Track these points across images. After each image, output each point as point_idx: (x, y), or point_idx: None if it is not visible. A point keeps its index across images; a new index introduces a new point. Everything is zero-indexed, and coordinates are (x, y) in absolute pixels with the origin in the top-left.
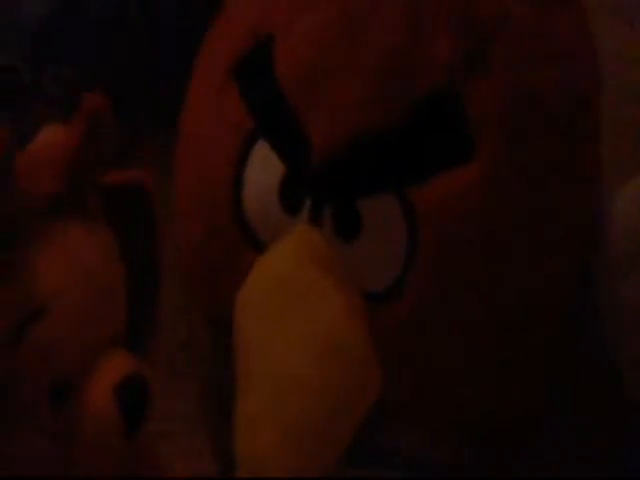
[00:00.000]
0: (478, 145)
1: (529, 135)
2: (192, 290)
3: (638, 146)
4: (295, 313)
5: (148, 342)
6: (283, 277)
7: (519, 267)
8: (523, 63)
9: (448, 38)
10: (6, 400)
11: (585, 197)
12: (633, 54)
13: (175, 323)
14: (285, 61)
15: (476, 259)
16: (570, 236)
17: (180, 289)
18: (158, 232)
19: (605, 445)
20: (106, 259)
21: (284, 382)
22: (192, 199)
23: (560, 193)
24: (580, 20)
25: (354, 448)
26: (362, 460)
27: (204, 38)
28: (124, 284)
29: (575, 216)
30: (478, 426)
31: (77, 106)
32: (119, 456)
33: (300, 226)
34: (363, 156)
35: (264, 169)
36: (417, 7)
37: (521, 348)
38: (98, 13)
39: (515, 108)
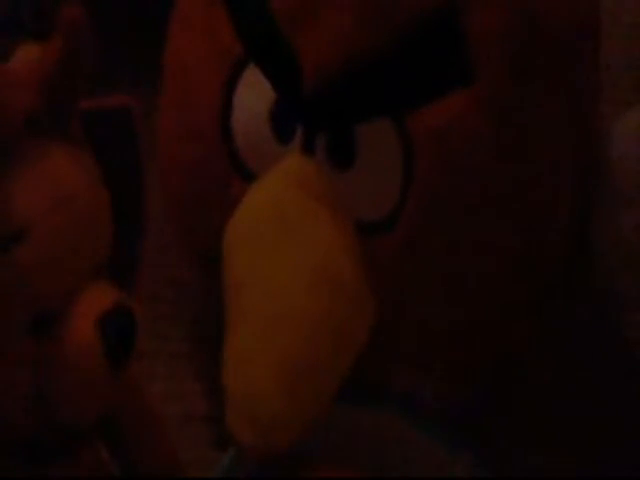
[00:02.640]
0: (477, 69)
1: (529, 60)
2: (179, 223)
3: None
4: (287, 244)
5: (133, 275)
6: (274, 207)
7: (519, 196)
8: None
9: None
10: None
11: (584, 123)
12: None
13: (161, 259)
14: None
15: (475, 188)
16: (572, 160)
17: (166, 223)
18: (144, 160)
19: (603, 387)
20: (89, 184)
21: (275, 315)
22: (178, 127)
23: (561, 118)
24: None
25: (350, 388)
26: (354, 398)
27: None
28: (109, 212)
29: (576, 139)
30: (473, 364)
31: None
32: (102, 393)
33: (292, 155)
34: (357, 81)
35: (254, 95)
36: None
37: (518, 282)
38: None
39: (514, 31)
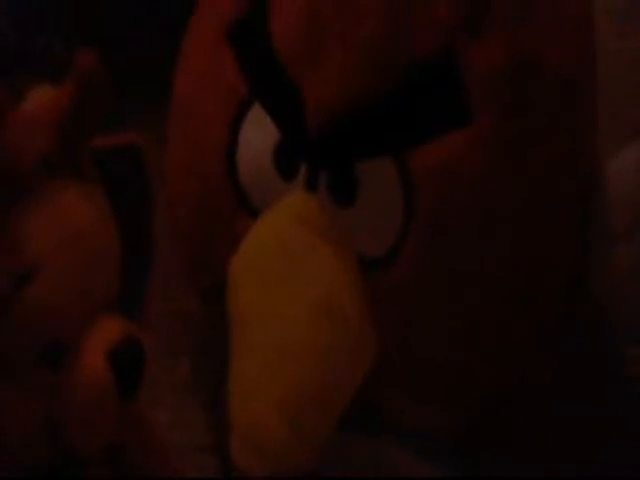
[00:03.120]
0: (475, 109)
1: (528, 100)
2: (186, 257)
3: (634, 112)
4: (290, 278)
5: (142, 310)
6: (279, 242)
7: (518, 233)
8: (522, 26)
9: (447, 0)
10: None
11: (583, 158)
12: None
13: (168, 293)
14: (280, 24)
15: (473, 224)
16: (570, 200)
17: (171, 255)
18: (152, 196)
19: (602, 417)
20: (100, 221)
21: (279, 348)
22: (185, 165)
23: (560, 158)
24: None
25: (348, 416)
26: (355, 426)
27: (197, 1)
28: (118, 248)
29: (574, 178)
30: (473, 394)
31: (67, 70)
32: (112, 422)
33: (295, 192)
34: (359, 120)
35: (259, 134)
36: None
37: (519, 316)
38: None
39: (514, 72)
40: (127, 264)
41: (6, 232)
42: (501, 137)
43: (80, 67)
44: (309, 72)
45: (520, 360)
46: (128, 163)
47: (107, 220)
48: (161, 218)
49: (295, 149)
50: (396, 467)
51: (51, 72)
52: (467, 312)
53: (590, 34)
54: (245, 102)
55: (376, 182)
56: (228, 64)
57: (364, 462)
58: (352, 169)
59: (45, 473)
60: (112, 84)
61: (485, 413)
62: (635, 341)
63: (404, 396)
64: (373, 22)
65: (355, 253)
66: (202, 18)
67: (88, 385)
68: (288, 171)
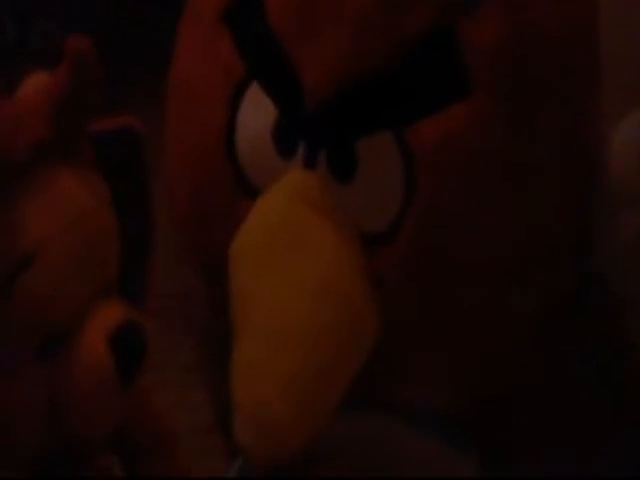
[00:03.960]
0: (475, 81)
1: (527, 70)
2: (186, 239)
3: (637, 80)
4: (291, 257)
5: (142, 293)
6: (279, 221)
7: (517, 205)
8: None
9: None
10: None
11: (584, 132)
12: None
13: (170, 273)
14: (275, 3)
15: (474, 198)
16: (570, 172)
17: (174, 239)
18: (150, 180)
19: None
20: (98, 206)
21: (281, 327)
22: (184, 145)
23: (560, 126)
24: None
25: (352, 396)
26: (360, 408)
27: None
28: (117, 232)
29: (575, 151)
30: (478, 375)
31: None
32: (115, 407)
33: (294, 170)
34: (357, 96)
35: (257, 113)
36: None
37: (522, 291)
38: None
39: (512, 42)
40: (127, 248)
41: (4, 218)
42: (501, 110)
43: (72, 51)
44: (305, 50)
45: (520, 340)
46: (125, 146)
47: (105, 204)
48: (161, 200)
49: (294, 127)
50: (401, 444)
51: (50, 60)
52: (470, 286)
53: (592, 4)
54: (243, 82)
55: (376, 158)
56: (225, 45)
57: (368, 440)
58: (351, 146)
59: (47, 471)
60: (106, 68)
61: (486, 397)
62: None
63: (409, 374)
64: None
65: (356, 229)
66: (199, 3)
67: (89, 371)
68: (287, 150)
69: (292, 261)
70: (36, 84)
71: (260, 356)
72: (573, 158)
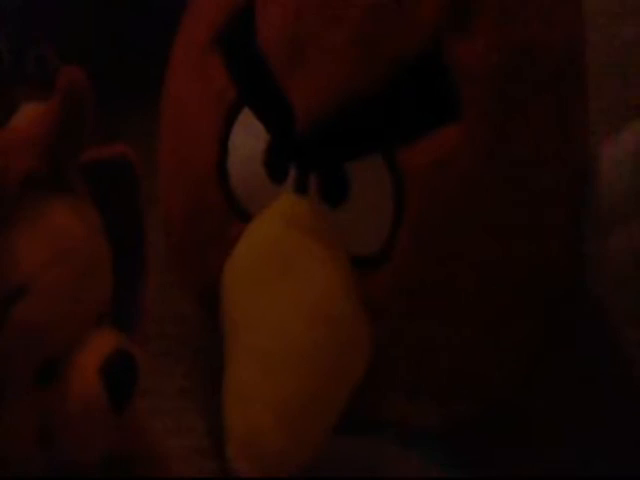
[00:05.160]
0: (464, 104)
1: (516, 93)
2: (179, 264)
3: (624, 100)
4: (283, 282)
5: (136, 320)
6: (270, 246)
7: (509, 227)
8: (509, 19)
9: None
10: None
11: (575, 151)
12: (618, 9)
13: (163, 299)
14: (266, 27)
15: (464, 220)
16: (562, 191)
17: (167, 264)
18: (143, 207)
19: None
20: (90, 236)
21: (273, 351)
22: (176, 171)
23: (549, 149)
24: None
25: (346, 418)
26: (355, 430)
27: (185, 11)
28: (109, 261)
29: (566, 171)
30: (471, 392)
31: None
32: (106, 434)
33: (286, 194)
34: (348, 120)
35: (248, 138)
36: None
37: (515, 309)
38: None
39: (502, 65)
40: (120, 276)
41: None
42: (491, 133)
43: (65, 83)
44: (296, 75)
45: (518, 355)
46: (119, 175)
47: (97, 235)
48: (156, 225)
49: (285, 152)
50: (396, 467)
51: (45, 86)
52: (463, 307)
53: (579, 21)
54: (234, 106)
55: (366, 181)
56: (217, 69)
57: (363, 463)
58: (342, 170)
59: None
60: (99, 94)
61: (484, 412)
62: (634, 327)
63: (402, 395)
64: (354, 24)
65: (347, 254)
66: (191, 24)
67: (81, 400)
68: (278, 174)
69: (284, 286)
70: (29, 115)
71: (252, 381)
72: (566, 177)
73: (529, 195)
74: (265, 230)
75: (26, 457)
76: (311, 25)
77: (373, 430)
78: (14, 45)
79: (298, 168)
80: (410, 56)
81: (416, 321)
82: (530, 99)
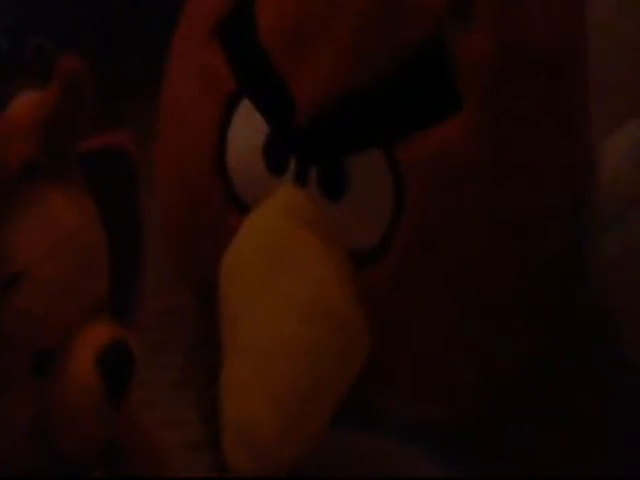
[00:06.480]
0: (464, 97)
1: (515, 84)
2: (176, 256)
3: (628, 94)
4: (281, 275)
5: (133, 310)
6: (268, 239)
7: (508, 221)
8: (510, 12)
9: None
10: None
11: (575, 148)
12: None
13: (159, 290)
14: (267, 17)
15: (463, 214)
16: (562, 188)
17: (164, 255)
18: (141, 197)
19: (602, 406)
20: (87, 225)
21: (271, 345)
22: (175, 161)
23: (549, 145)
24: None
25: (345, 413)
26: (355, 425)
27: (186, 0)
28: (106, 251)
29: (566, 167)
30: (470, 388)
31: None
32: (102, 426)
33: (285, 187)
34: (348, 113)
35: (248, 129)
36: None
37: (515, 308)
38: None
39: (500, 57)
40: (117, 266)
41: None
42: (490, 126)
43: (63, 70)
44: (296, 66)
45: (518, 352)
46: (116, 164)
47: (94, 223)
48: (153, 215)
49: (284, 143)
50: (391, 462)
51: (43, 76)
52: (462, 302)
53: (580, 15)
54: (234, 98)
55: (366, 175)
56: (216, 60)
57: (359, 458)
58: (341, 162)
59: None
60: (98, 84)
61: (483, 410)
62: (634, 327)
63: (399, 392)
64: (357, 14)
65: (345, 247)
66: (192, 14)
67: (77, 391)
68: (278, 166)
69: (282, 278)
70: (26, 103)
71: (249, 374)
72: (566, 174)
73: (528, 190)
74: (264, 222)
75: (20, 448)
76: (313, 15)
77: (372, 426)
78: (12, 34)
79: (298, 160)
80: (412, 48)
81: (414, 316)
82: (529, 94)
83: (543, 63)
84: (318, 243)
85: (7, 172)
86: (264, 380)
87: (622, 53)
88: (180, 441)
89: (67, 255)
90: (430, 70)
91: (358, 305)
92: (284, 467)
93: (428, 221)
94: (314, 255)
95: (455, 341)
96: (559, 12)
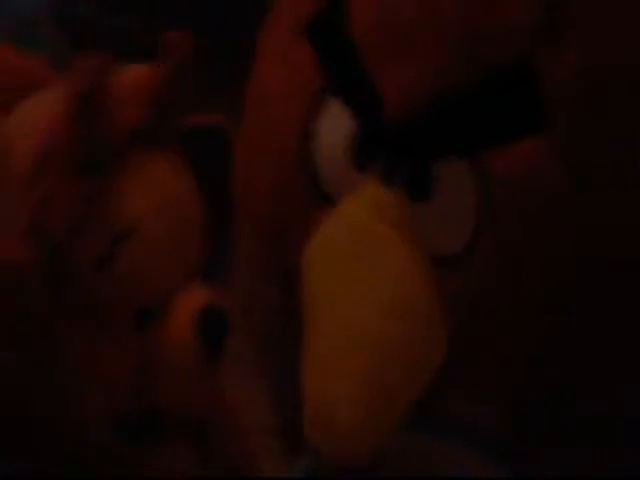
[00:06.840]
0: (555, 115)
1: (609, 107)
2: (260, 243)
3: None
4: (363, 268)
5: (225, 277)
6: (354, 230)
7: (591, 239)
8: (602, 28)
9: (523, 5)
10: (93, 320)
11: None
12: None
13: (241, 275)
14: (361, 17)
15: (547, 229)
16: None
17: (246, 241)
18: (233, 178)
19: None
20: (188, 192)
21: (350, 336)
22: (259, 152)
23: (632, 173)
24: None
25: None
26: (416, 426)
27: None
28: (202, 220)
29: None
30: (539, 393)
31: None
32: (197, 387)
33: (372, 183)
34: (438, 118)
35: (335, 124)
36: None
37: (592, 318)
38: None
39: (596, 78)
40: (210, 236)
41: (105, 194)
42: (578, 147)
43: (173, 43)
44: (389, 64)
45: (587, 358)
46: (212, 143)
47: (193, 192)
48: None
49: (373, 142)
50: (448, 462)
51: (131, 53)
52: (533, 313)
53: None
54: (321, 94)
55: (451, 182)
56: (305, 58)
57: (415, 457)
58: (428, 165)
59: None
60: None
61: (542, 413)
62: None
63: (466, 395)
64: (456, 20)
65: (427, 249)
66: (280, 11)
67: (175, 351)
68: (363, 162)
69: (363, 272)
70: (137, 73)
71: (332, 359)
72: None
73: (609, 218)
74: (350, 215)
75: (122, 399)
76: (407, 15)
77: (431, 429)
78: (101, 11)
79: (387, 159)
80: (504, 61)
81: (491, 323)
82: (623, 113)
83: (634, 90)
84: (401, 240)
85: (120, 133)
86: (346, 365)
87: None
88: (256, 425)
89: (172, 217)
90: (521, 84)
91: (438, 305)
92: (364, 452)
93: (510, 235)
94: (398, 252)
95: (529, 345)
96: None
